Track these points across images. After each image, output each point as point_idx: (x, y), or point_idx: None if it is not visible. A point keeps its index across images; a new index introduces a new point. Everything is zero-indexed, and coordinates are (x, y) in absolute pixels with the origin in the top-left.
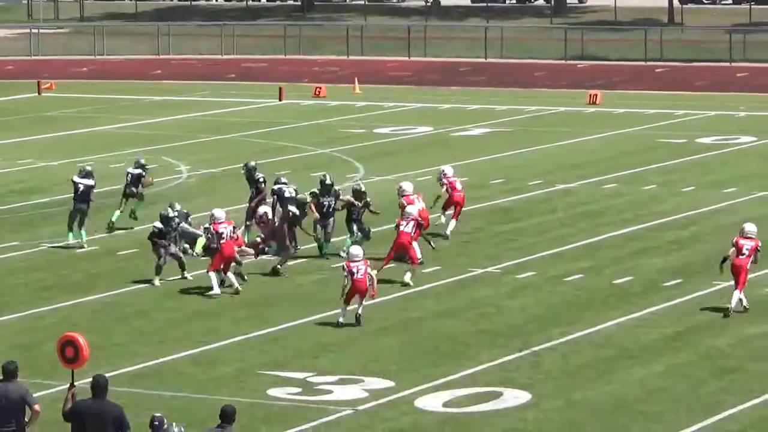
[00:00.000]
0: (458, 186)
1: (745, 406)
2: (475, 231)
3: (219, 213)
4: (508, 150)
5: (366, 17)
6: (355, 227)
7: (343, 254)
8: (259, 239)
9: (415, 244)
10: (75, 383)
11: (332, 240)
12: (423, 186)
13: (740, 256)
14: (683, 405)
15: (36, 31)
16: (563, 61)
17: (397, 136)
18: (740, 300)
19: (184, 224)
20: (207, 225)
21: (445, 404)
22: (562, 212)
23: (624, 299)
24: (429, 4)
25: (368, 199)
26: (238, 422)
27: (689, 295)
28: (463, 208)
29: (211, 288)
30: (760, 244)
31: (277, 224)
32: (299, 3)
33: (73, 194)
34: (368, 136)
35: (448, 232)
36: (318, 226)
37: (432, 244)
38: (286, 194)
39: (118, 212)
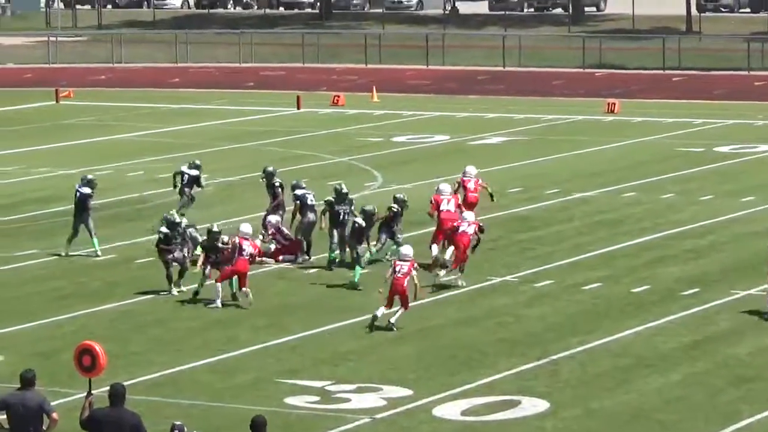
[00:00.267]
0: (471, 186)
1: (763, 415)
2: (494, 240)
3: (246, 228)
4: (526, 159)
5: (384, 25)
6: (384, 236)
7: (389, 257)
8: (273, 248)
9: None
10: (92, 392)
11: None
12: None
13: None
14: (701, 414)
15: (54, 39)
16: (581, 70)
17: (415, 144)
18: None
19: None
20: (228, 237)
21: (463, 413)
22: (580, 221)
23: (641, 308)
24: (447, 12)
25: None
26: None
27: (707, 304)
28: (480, 218)
29: (212, 301)
30: None
31: (300, 229)
32: (317, 11)
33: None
34: (386, 144)
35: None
36: (333, 234)
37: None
38: (309, 201)
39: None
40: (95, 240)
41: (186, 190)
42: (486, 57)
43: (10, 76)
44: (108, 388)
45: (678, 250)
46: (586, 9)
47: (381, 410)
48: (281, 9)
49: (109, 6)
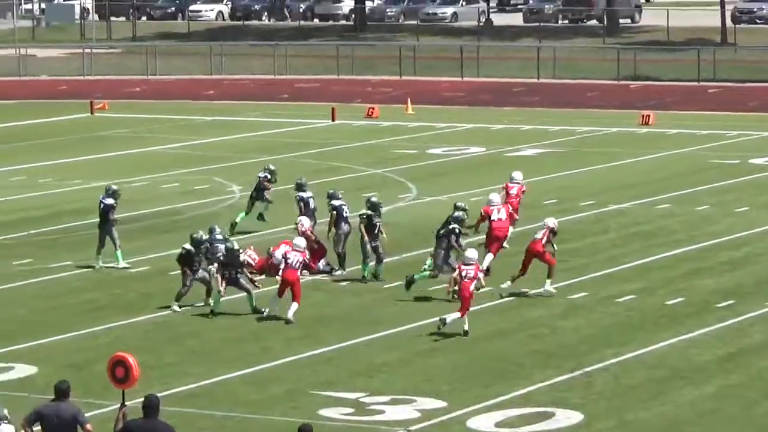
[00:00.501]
0: (513, 192)
1: None
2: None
3: (299, 241)
4: (561, 170)
5: (419, 37)
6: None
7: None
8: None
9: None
10: (126, 403)
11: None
12: (476, 206)
13: None
14: (735, 427)
15: (89, 51)
16: (616, 82)
17: (450, 156)
18: None
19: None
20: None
21: (497, 424)
22: (614, 233)
23: (676, 320)
24: (481, 24)
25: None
26: None
27: (742, 316)
28: (516, 229)
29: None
30: None
31: (337, 242)
32: (352, 23)
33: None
34: (421, 156)
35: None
36: (368, 247)
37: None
38: (344, 213)
39: (242, 214)
40: (119, 252)
41: (261, 193)
42: (520, 69)
43: (45, 88)
44: (142, 399)
45: (713, 262)
46: (621, 21)
47: (415, 422)
48: (316, 21)
49: (144, 18)
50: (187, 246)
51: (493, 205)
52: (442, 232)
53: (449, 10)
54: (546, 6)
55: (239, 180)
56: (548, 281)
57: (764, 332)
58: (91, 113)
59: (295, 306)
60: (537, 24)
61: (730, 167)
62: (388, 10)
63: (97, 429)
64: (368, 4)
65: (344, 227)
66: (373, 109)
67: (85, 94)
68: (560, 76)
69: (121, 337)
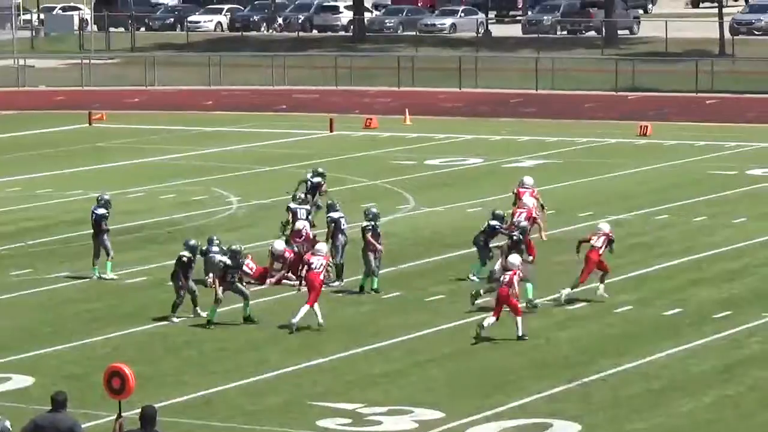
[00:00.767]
0: (525, 198)
1: None
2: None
3: (321, 246)
4: (559, 181)
5: (417, 48)
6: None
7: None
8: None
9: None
10: (123, 414)
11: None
12: (474, 217)
13: None
14: None
15: (87, 61)
16: (614, 93)
17: (448, 167)
18: None
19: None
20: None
21: None
22: (616, 243)
23: (674, 331)
24: (480, 35)
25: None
26: None
27: (739, 327)
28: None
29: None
30: None
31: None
32: (350, 34)
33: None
34: (419, 167)
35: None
36: (371, 258)
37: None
38: (342, 225)
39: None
40: (109, 263)
41: (309, 197)
42: (519, 80)
43: (43, 99)
44: (139, 410)
45: (711, 273)
46: (619, 32)
47: None
48: (314, 32)
49: (143, 29)
50: (187, 254)
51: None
52: (513, 238)
53: (448, 21)
54: (545, 17)
55: (237, 191)
56: (601, 286)
57: (762, 343)
58: (89, 124)
59: (305, 309)
60: (535, 35)
61: (727, 178)
62: (386, 21)
63: None
64: (367, 15)
65: (341, 239)
66: (371, 120)
67: (84, 104)
68: (558, 87)
69: (119, 348)
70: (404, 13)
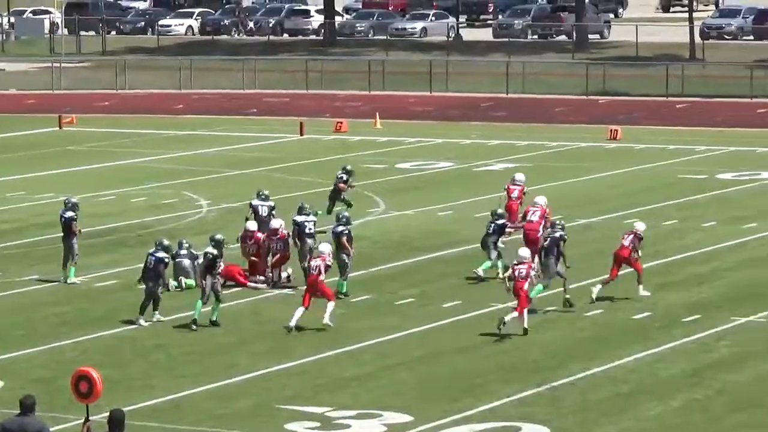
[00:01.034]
0: (515, 195)
1: None
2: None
3: (324, 247)
4: (529, 185)
5: (387, 52)
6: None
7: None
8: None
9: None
10: (91, 418)
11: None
12: (444, 221)
13: None
14: None
15: (58, 65)
16: (584, 97)
17: (419, 171)
18: None
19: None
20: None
21: None
22: (582, 247)
23: (643, 334)
24: (451, 39)
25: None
26: None
27: (708, 331)
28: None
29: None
30: None
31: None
32: (321, 38)
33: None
34: (390, 171)
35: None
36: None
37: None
38: (307, 230)
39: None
40: (73, 268)
41: (341, 195)
42: (489, 84)
43: (14, 102)
44: (107, 414)
45: (680, 276)
46: (590, 36)
47: None
48: (285, 36)
49: (113, 32)
50: (163, 254)
51: (533, 207)
52: (547, 242)
53: (419, 25)
54: (515, 21)
55: (208, 194)
56: (640, 287)
57: (731, 347)
58: (60, 127)
59: (331, 305)
60: (506, 39)
61: (697, 182)
62: (357, 25)
63: None
64: (338, 19)
65: (309, 242)
66: (342, 123)
67: (55, 108)
68: (529, 91)
69: (88, 351)
70: (375, 17)
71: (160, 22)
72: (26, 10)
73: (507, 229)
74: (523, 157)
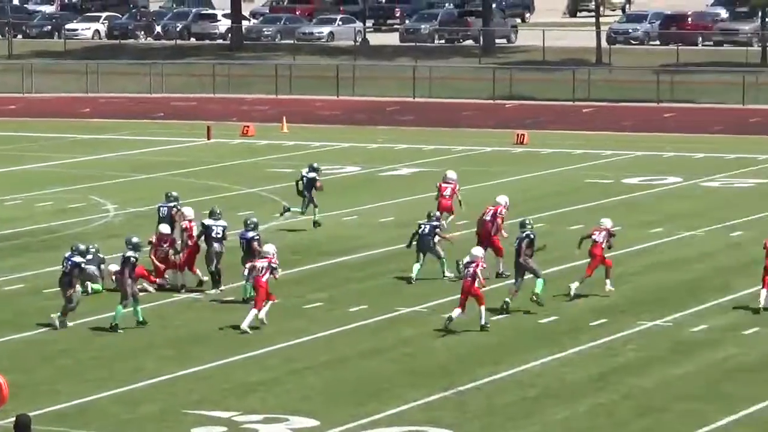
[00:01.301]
0: (447, 193)
1: None
2: (403, 270)
3: (269, 247)
4: (436, 190)
5: (295, 57)
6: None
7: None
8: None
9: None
10: None
11: None
12: (350, 225)
13: None
14: None
15: None
16: (491, 101)
17: (326, 175)
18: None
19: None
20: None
21: None
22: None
23: (550, 339)
24: (358, 43)
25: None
26: None
27: (614, 335)
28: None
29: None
30: None
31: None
32: (228, 42)
33: None
34: (296, 175)
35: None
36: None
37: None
38: (213, 234)
39: (296, 209)
40: None
41: (306, 193)
42: (396, 88)
43: None
44: (13, 419)
45: (586, 281)
46: (497, 41)
47: None
48: (192, 40)
49: (20, 36)
50: (79, 259)
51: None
52: (516, 243)
53: (326, 30)
54: (422, 26)
55: (115, 198)
56: (608, 281)
57: (636, 351)
58: None
59: (268, 304)
60: (413, 44)
61: (604, 186)
62: (264, 29)
63: None
64: (245, 23)
65: (216, 246)
66: (249, 127)
67: None
68: (436, 96)
69: None
70: (282, 22)
71: (67, 26)
72: None
73: (436, 230)
74: (430, 161)
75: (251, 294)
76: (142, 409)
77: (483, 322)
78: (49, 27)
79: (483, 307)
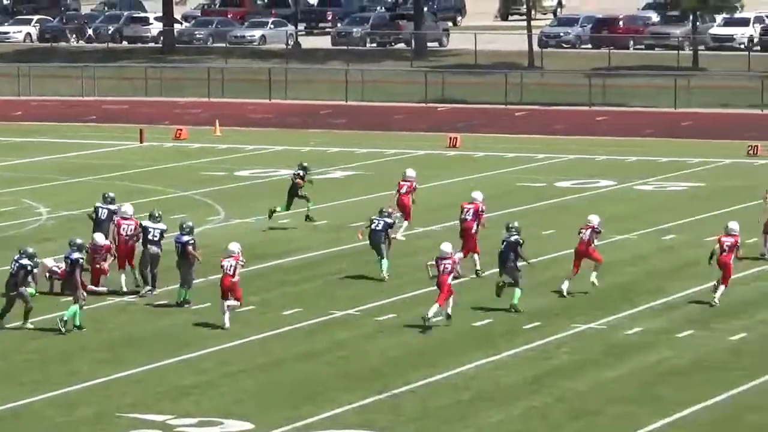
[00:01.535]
0: (403, 190)
1: None
2: (337, 273)
3: (232, 246)
4: (369, 193)
5: (227, 60)
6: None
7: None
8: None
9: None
10: None
11: None
12: (284, 228)
13: (723, 253)
14: None
15: None
16: (423, 104)
17: (258, 179)
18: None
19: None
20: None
21: None
22: (423, 255)
23: (484, 342)
24: (289, 47)
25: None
26: None
27: (548, 338)
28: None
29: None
30: (739, 240)
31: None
32: (160, 45)
33: None
34: (229, 178)
35: (399, 235)
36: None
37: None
38: (150, 236)
39: (279, 208)
40: None
41: (298, 191)
42: (328, 91)
43: None
44: None
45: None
46: (429, 44)
47: None
48: (124, 43)
49: None
50: (26, 261)
51: (467, 206)
52: (503, 246)
53: (257, 33)
54: (354, 29)
55: (47, 201)
56: (594, 273)
57: (570, 354)
58: None
59: (235, 304)
60: (345, 47)
61: (536, 190)
62: (196, 32)
63: None
64: (177, 26)
65: (152, 249)
66: (181, 130)
67: None
68: (368, 99)
69: None
70: (214, 25)
71: None
72: None
73: (389, 229)
74: (363, 164)
75: (185, 297)
76: (76, 413)
77: (449, 311)
78: None
79: (450, 301)
